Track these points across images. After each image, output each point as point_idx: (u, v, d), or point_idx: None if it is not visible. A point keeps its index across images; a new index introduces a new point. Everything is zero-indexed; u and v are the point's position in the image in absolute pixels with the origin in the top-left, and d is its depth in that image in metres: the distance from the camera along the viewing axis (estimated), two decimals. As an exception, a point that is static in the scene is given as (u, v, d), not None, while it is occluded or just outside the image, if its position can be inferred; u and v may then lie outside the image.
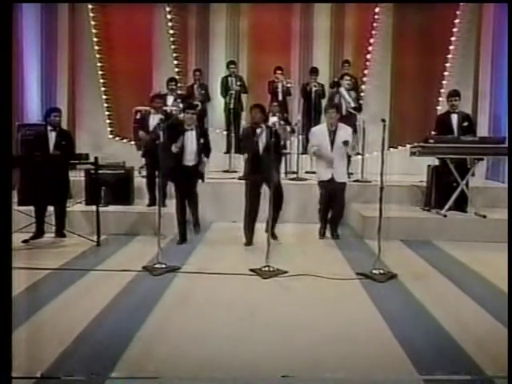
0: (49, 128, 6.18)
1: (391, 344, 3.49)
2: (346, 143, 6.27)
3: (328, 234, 6.71)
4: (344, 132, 6.39)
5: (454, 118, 7.01)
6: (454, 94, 7.04)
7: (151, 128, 7.01)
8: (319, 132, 6.46)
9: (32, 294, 4.45)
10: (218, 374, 3.06)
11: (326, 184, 6.45)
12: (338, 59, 9.88)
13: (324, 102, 9.22)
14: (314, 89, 9.25)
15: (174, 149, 5.94)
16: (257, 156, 5.97)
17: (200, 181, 6.30)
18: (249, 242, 6.19)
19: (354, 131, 8.24)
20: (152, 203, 7.12)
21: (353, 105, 8.32)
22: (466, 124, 7.01)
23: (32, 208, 6.25)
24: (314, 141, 6.44)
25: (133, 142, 7.53)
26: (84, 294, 4.50)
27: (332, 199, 6.51)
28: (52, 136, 6.17)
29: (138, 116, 7.35)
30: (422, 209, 7.24)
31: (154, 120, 7.03)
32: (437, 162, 7.16)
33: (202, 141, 6.15)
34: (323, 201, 6.57)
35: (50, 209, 6.34)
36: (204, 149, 6.21)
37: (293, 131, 8.47)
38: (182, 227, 6.31)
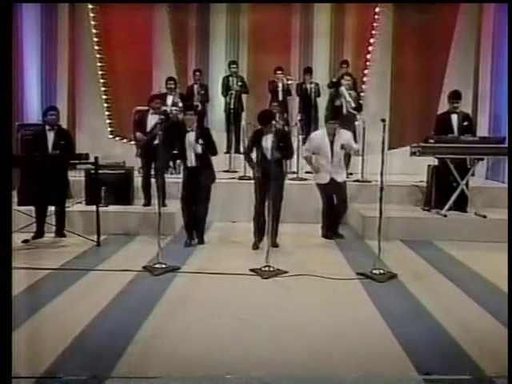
0: (47, 127, 6.17)
1: (391, 344, 3.49)
2: (342, 147, 6.28)
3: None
4: (344, 136, 6.38)
5: (454, 117, 7.01)
6: (456, 97, 7.01)
7: (149, 128, 6.97)
8: (319, 138, 6.44)
9: (32, 293, 4.45)
10: (218, 373, 3.06)
11: (325, 186, 6.45)
12: (337, 59, 9.87)
13: (320, 101, 9.25)
14: (309, 88, 9.25)
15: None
16: (265, 159, 5.94)
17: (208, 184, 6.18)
18: (256, 245, 6.09)
19: (354, 132, 8.24)
20: (148, 203, 7.12)
21: (353, 105, 8.31)
22: (465, 124, 7.01)
23: (32, 208, 6.25)
24: (311, 146, 6.43)
25: (133, 142, 7.50)
26: (84, 293, 4.50)
27: (335, 198, 6.52)
28: (50, 135, 6.15)
29: (137, 117, 7.30)
30: (422, 209, 7.24)
31: (151, 120, 6.98)
32: (437, 162, 7.16)
33: (200, 141, 6.10)
34: (326, 204, 6.57)
35: (51, 209, 6.34)
36: (209, 149, 6.12)
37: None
38: (187, 229, 6.25)
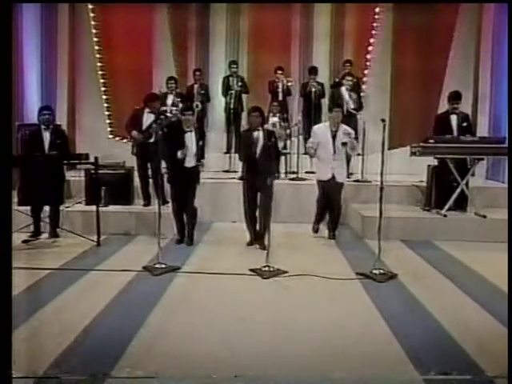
0: (42, 127, 6.16)
1: (391, 344, 3.49)
2: (344, 144, 6.29)
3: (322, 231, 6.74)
4: (345, 133, 6.39)
5: (454, 118, 6.99)
6: (456, 98, 6.99)
7: (144, 127, 6.90)
8: (321, 131, 6.45)
9: (32, 294, 4.45)
10: (218, 373, 3.06)
11: (325, 184, 6.46)
12: (338, 59, 9.87)
13: (324, 102, 9.23)
14: (313, 89, 9.22)
15: (180, 155, 5.93)
16: (253, 159, 5.96)
17: (197, 185, 6.22)
18: (251, 242, 6.19)
19: (355, 132, 8.22)
20: (148, 203, 7.11)
21: (352, 106, 8.27)
22: (465, 125, 6.99)
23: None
24: (315, 139, 6.44)
25: (126, 140, 7.44)
26: (84, 293, 4.50)
27: (330, 199, 6.52)
28: (46, 135, 6.14)
29: (132, 114, 7.17)
30: (422, 209, 7.24)
31: (147, 120, 6.90)
32: (436, 162, 7.16)
33: (200, 143, 6.14)
34: (321, 200, 6.58)
35: (46, 208, 6.33)
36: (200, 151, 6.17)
37: (290, 136, 8.47)
38: (179, 228, 6.31)
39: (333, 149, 6.31)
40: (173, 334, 3.65)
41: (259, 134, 5.97)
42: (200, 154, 6.17)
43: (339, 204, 6.59)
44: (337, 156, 6.32)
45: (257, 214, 6.12)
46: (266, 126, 6.14)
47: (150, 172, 7.06)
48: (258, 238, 6.06)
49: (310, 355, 3.31)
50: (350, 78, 8.45)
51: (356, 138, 6.94)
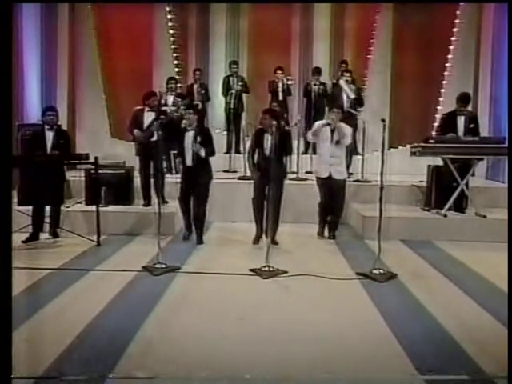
0: (46, 127, 6.17)
1: (391, 344, 3.49)
2: (337, 142, 6.31)
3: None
4: (345, 131, 6.37)
5: (461, 119, 6.89)
6: (465, 101, 6.91)
7: (145, 126, 6.90)
8: (322, 127, 6.46)
9: (32, 294, 4.45)
10: (218, 373, 3.06)
11: (323, 181, 6.46)
12: (337, 59, 9.86)
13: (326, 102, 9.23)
14: (314, 88, 9.21)
15: (177, 163, 5.93)
16: (265, 158, 6.00)
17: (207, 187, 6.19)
18: (256, 240, 6.22)
19: (355, 130, 8.21)
20: (148, 203, 7.11)
21: (353, 95, 8.20)
22: (472, 126, 6.93)
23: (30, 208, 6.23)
24: (315, 133, 6.48)
25: (133, 143, 7.46)
26: (84, 293, 4.50)
27: (331, 197, 6.53)
28: (49, 135, 6.14)
29: (132, 115, 7.17)
30: (422, 209, 7.24)
31: (148, 118, 6.90)
32: (436, 162, 7.15)
33: (199, 139, 6.04)
34: (323, 199, 6.58)
35: (46, 208, 6.33)
36: (206, 149, 6.06)
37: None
38: (186, 222, 6.32)
39: (331, 146, 6.32)
40: (173, 334, 3.65)
41: (271, 135, 5.94)
42: (204, 152, 6.07)
43: (341, 203, 6.59)
44: (334, 153, 6.33)
45: (264, 210, 6.15)
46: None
47: (152, 171, 7.06)
48: (267, 234, 6.09)
49: (310, 355, 3.31)
50: (348, 74, 8.42)
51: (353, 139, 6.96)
